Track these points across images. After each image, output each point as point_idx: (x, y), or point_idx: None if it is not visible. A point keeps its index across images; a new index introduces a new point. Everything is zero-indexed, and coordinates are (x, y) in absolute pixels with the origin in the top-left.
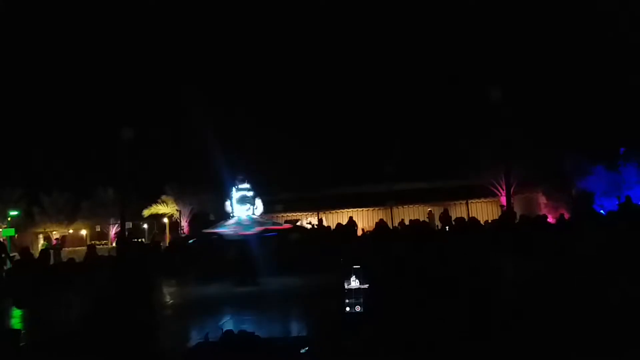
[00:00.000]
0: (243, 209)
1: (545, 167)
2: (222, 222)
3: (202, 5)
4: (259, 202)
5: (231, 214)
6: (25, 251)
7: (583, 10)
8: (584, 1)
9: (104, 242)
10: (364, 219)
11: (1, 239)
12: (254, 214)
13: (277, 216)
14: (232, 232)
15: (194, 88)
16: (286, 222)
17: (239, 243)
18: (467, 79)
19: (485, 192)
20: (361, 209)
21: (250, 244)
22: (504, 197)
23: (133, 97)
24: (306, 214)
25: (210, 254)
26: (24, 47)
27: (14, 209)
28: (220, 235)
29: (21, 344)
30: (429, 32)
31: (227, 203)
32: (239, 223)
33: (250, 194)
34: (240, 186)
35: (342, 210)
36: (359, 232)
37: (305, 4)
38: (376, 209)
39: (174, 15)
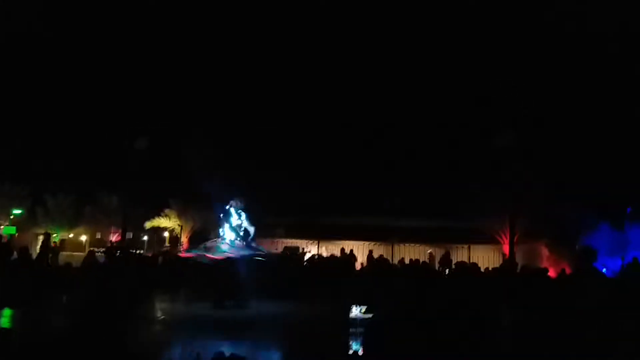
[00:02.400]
0: (236, 232)
1: (550, 219)
2: (213, 242)
3: (215, 29)
4: (252, 228)
5: (224, 237)
6: (24, 251)
7: (591, 61)
8: (592, 53)
9: (102, 249)
10: (364, 253)
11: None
12: (247, 238)
13: (276, 241)
14: (218, 256)
15: (204, 107)
16: (285, 248)
17: (228, 266)
18: (480, 121)
19: (488, 238)
20: (362, 242)
21: (240, 267)
22: (507, 245)
23: (147, 110)
24: (306, 241)
25: (202, 274)
26: (42, 52)
27: (18, 207)
28: (206, 258)
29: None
30: (438, 70)
31: (223, 225)
32: (231, 246)
33: (245, 218)
34: (237, 210)
35: (342, 241)
36: (358, 266)
37: (305, 27)
38: (377, 243)
39: (192, 32)
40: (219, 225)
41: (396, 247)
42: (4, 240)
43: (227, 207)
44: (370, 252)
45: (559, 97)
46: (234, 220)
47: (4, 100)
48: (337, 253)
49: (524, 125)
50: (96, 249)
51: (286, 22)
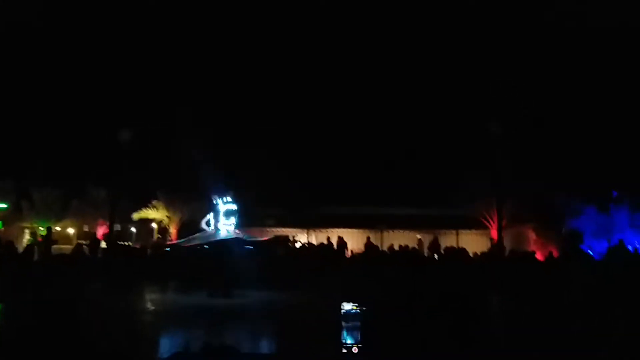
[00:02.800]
0: (226, 223)
1: (537, 204)
2: (202, 233)
3: (201, 20)
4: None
5: (211, 227)
6: (9, 245)
7: (579, 49)
8: (580, 42)
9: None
10: (353, 240)
11: None
12: (235, 228)
13: (266, 230)
14: (208, 244)
15: (191, 98)
16: (275, 237)
17: (217, 255)
18: (469, 109)
19: (476, 224)
20: (350, 229)
21: (229, 256)
22: (494, 230)
23: (132, 101)
24: (296, 230)
25: (190, 264)
26: (26, 43)
27: (3, 201)
28: (196, 246)
29: None
30: (427, 57)
31: (209, 216)
32: (219, 236)
33: (234, 208)
34: (225, 200)
35: (331, 230)
36: (348, 254)
37: (301, 25)
38: (366, 230)
39: (174, 23)
40: (209, 216)
41: (385, 234)
42: None
43: (217, 198)
44: (369, 238)
45: (544, 84)
46: (223, 210)
47: None
48: (326, 241)
49: (510, 112)
50: (83, 242)
51: (277, 13)
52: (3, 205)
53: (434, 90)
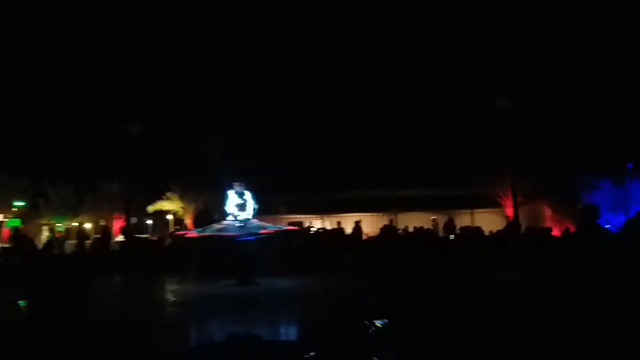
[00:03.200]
0: (241, 210)
1: (551, 180)
2: (220, 222)
3: (213, 13)
4: (251, 206)
5: (230, 215)
6: (30, 242)
7: (595, 27)
8: (596, 20)
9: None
10: (367, 224)
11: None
12: (252, 216)
13: (280, 218)
14: (229, 234)
15: (201, 89)
16: (289, 224)
17: (238, 243)
18: (477, 88)
19: (490, 202)
20: (365, 214)
21: (250, 244)
22: (510, 208)
23: (144, 94)
24: (309, 216)
25: (210, 253)
26: (37, 41)
27: (20, 199)
28: (217, 237)
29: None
30: (437, 38)
31: (228, 203)
32: (239, 224)
33: (249, 196)
34: (240, 188)
35: (345, 215)
36: (363, 237)
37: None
38: (380, 214)
39: (186, 16)
40: (226, 205)
41: (400, 217)
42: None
43: (232, 188)
44: (391, 221)
45: (556, 59)
46: (239, 200)
47: None
48: (342, 226)
49: (521, 88)
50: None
51: (290, 5)
52: (21, 203)
53: (445, 68)
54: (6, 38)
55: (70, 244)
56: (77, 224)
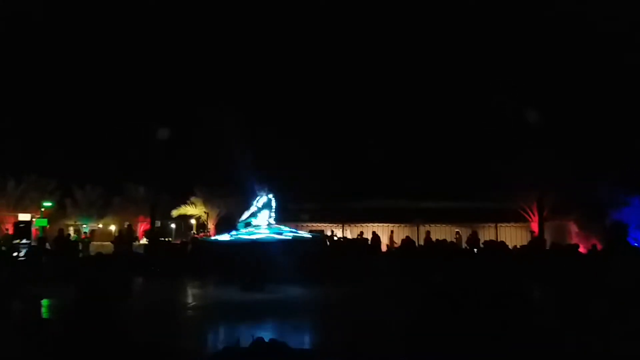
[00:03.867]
0: (265, 217)
1: (578, 195)
2: (247, 227)
3: (239, 18)
4: (265, 214)
5: (252, 221)
6: (59, 240)
7: (622, 38)
8: (622, 32)
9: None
10: (388, 235)
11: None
12: (273, 222)
13: (302, 225)
14: (250, 238)
15: (226, 95)
16: (310, 232)
17: (257, 249)
18: (505, 101)
19: (515, 217)
20: (386, 224)
21: (270, 250)
22: (535, 223)
23: (169, 100)
24: (330, 225)
25: (230, 258)
26: (66, 42)
27: (48, 200)
28: (234, 241)
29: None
30: (467, 53)
31: (250, 210)
32: (264, 230)
33: (272, 203)
34: (264, 195)
35: (367, 224)
36: (384, 248)
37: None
38: (402, 225)
39: (213, 25)
40: (251, 211)
41: (421, 228)
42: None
43: (259, 194)
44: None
45: (585, 71)
46: (263, 206)
47: (29, 95)
48: (361, 236)
49: (550, 101)
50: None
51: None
52: (49, 204)
53: (471, 79)
54: (32, 41)
55: (96, 244)
56: (101, 225)
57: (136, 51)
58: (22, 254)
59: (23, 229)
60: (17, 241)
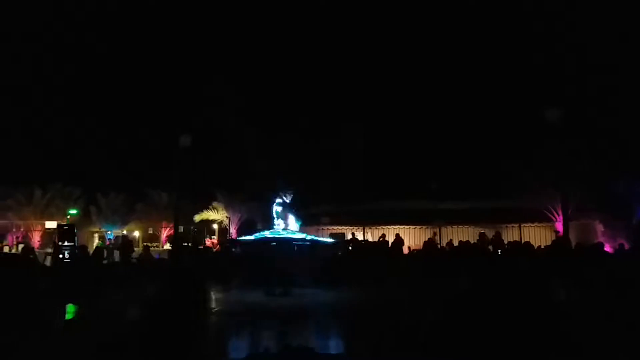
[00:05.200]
0: (286, 220)
1: (604, 194)
2: (265, 231)
3: (258, 24)
4: (292, 217)
5: (275, 225)
6: (83, 249)
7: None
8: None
9: (155, 244)
10: (410, 237)
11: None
12: (295, 225)
13: (322, 228)
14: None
15: (247, 101)
16: (331, 234)
17: (278, 252)
18: (529, 101)
19: (539, 217)
20: (407, 226)
21: (291, 253)
22: (559, 223)
23: (191, 106)
24: (351, 228)
25: (253, 262)
26: (89, 52)
27: (73, 207)
28: (258, 243)
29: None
30: (488, 45)
31: (274, 212)
32: (281, 233)
33: (292, 206)
34: (284, 199)
35: (387, 227)
36: (405, 250)
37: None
38: (423, 227)
39: (230, 30)
40: (274, 215)
41: (443, 230)
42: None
43: (281, 198)
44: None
45: (607, 67)
46: (286, 209)
47: (52, 104)
48: (382, 238)
49: (575, 98)
50: (149, 244)
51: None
52: (74, 211)
53: (495, 78)
54: (58, 51)
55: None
56: (125, 232)
57: (159, 58)
58: (66, 256)
59: (67, 232)
60: (61, 244)
